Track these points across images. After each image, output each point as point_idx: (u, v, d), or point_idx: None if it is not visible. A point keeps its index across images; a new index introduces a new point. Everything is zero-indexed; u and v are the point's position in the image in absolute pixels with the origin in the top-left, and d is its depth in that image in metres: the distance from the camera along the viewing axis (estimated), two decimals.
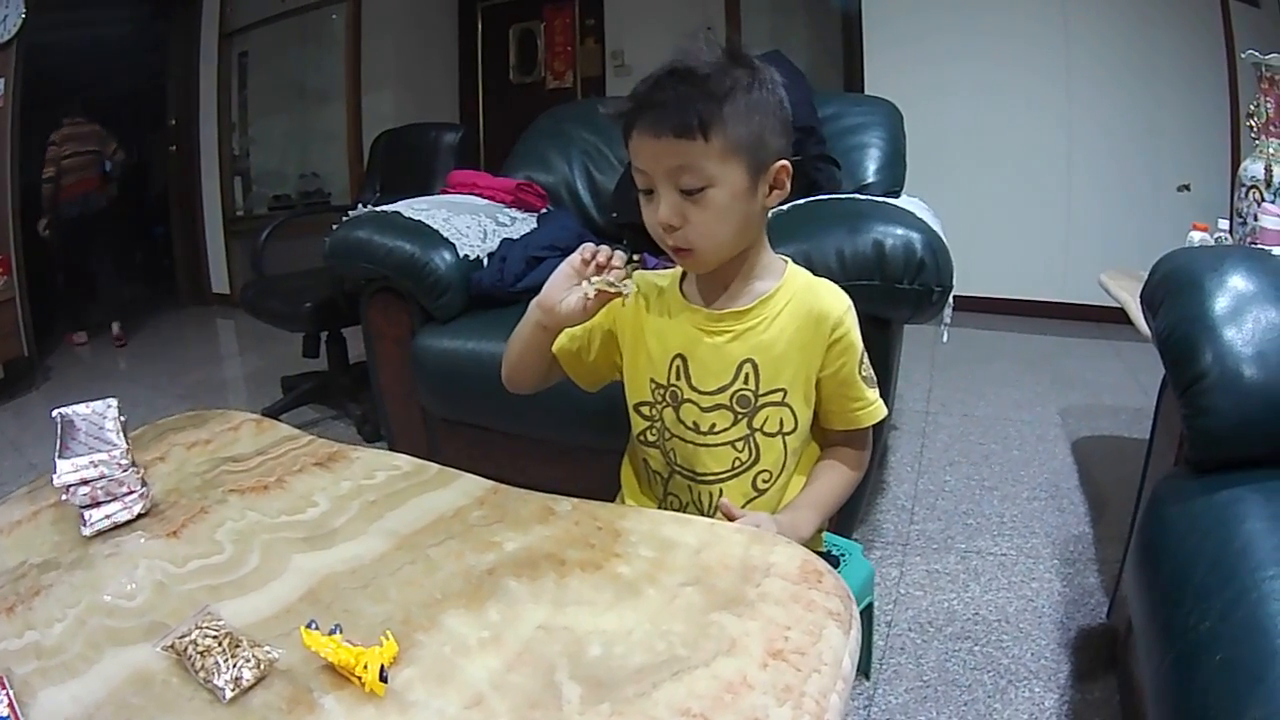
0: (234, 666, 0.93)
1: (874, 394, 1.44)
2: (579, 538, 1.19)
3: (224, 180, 6.85)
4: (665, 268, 1.49)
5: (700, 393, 1.41)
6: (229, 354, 6.00)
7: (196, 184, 6.87)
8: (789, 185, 1.33)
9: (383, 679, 0.92)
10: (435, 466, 1.46)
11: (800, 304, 1.39)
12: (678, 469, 1.48)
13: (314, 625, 0.98)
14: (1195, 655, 1.06)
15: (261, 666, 0.94)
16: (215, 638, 0.97)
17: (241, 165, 7.11)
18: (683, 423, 1.44)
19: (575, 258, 1.36)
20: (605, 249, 1.36)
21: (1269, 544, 1.14)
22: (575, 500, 1.29)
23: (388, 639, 0.96)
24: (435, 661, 0.96)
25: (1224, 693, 0.98)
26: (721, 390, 1.40)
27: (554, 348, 1.49)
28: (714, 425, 1.42)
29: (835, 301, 1.40)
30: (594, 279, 1.34)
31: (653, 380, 1.46)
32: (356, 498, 1.36)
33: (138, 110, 6.97)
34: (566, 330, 1.47)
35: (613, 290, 1.33)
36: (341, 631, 0.98)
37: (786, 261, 1.45)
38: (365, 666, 0.92)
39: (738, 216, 1.29)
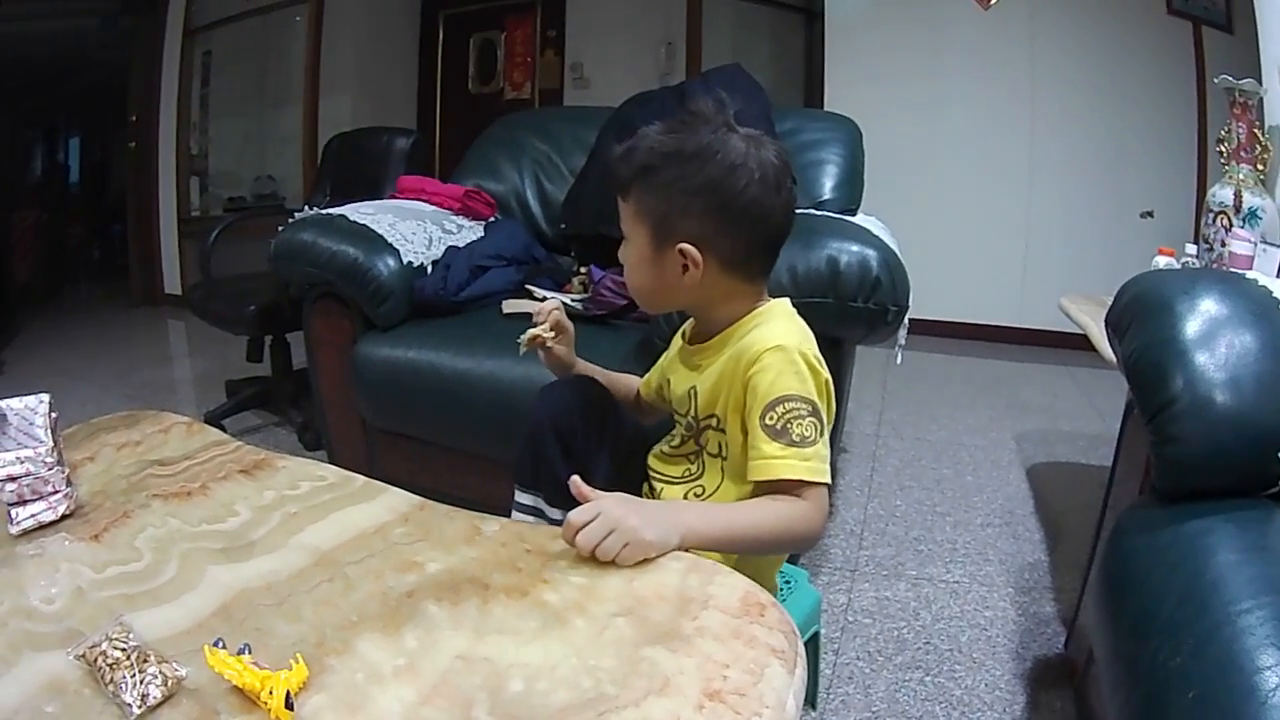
0: (141, 683, 0.90)
1: (775, 448, 1.31)
2: (505, 561, 1.14)
3: (180, 180, 6.79)
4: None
5: (676, 412, 1.58)
6: (179, 355, 5.96)
7: (154, 183, 6.79)
8: (702, 268, 1.39)
9: (289, 706, 0.87)
10: (361, 479, 1.44)
11: (742, 340, 1.42)
12: (650, 469, 1.62)
13: (221, 644, 0.94)
14: (1165, 692, 1.01)
15: (169, 684, 0.91)
16: (124, 651, 0.94)
17: (199, 165, 7.05)
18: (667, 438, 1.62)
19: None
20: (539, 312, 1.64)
21: (1243, 576, 1.09)
22: (504, 520, 1.27)
23: (298, 662, 0.92)
24: (346, 689, 0.91)
25: None
26: (683, 414, 1.54)
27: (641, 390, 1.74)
28: (677, 439, 1.58)
29: (764, 339, 1.38)
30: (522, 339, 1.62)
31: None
32: (278, 508, 1.34)
33: (102, 105, 6.91)
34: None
35: (530, 340, 1.61)
36: (250, 652, 0.94)
37: (766, 304, 1.48)
38: (271, 692, 0.87)
39: (646, 275, 1.45)
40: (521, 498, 1.60)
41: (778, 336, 1.37)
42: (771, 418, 1.32)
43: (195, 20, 6.61)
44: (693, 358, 1.52)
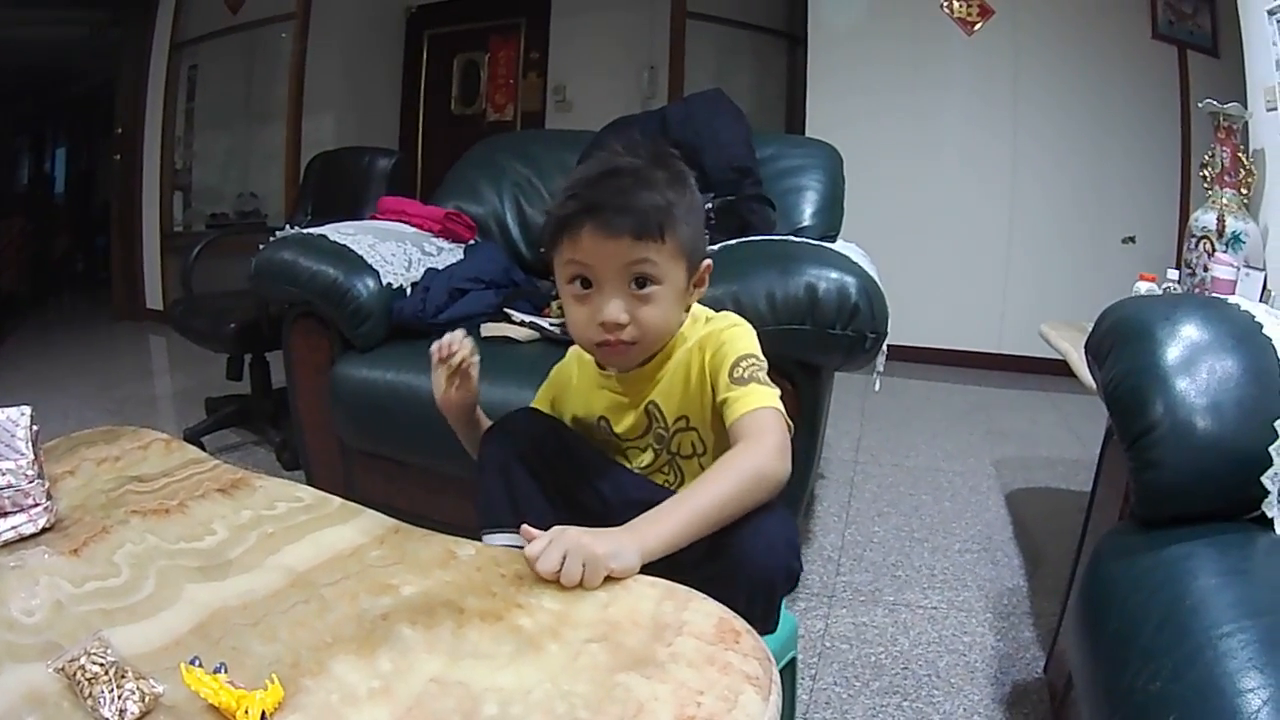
0: (119, 698, 0.91)
1: (743, 390, 1.37)
2: (480, 585, 1.13)
3: (164, 194, 6.80)
4: None
5: (626, 440, 1.55)
6: (159, 370, 5.99)
7: (137, 196, 6.81)
8: (707, 284, 1.47)
9: None
10: (338, 500, 1.44)
11: (692, 339, 1.47)
12: None
13: (197, 662, 0.95)
14: (1145, 716, 1.01)
15: (146, 700, 0.92)
16: (102, 666, 0.95)
17: (183, 180, 7.06)
18: (616, 460, 1.56)
19: (433, 357, 1.52)
20: (442, 342, 1.50)
21: (1224, 600, 1.09)
22: (479, 545, 1.26)
23: (273, 683, 0.92)
24: (321, 710, 0.91)
25: None
26: (642, 435, 1.53)
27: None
28: (641, 460, 1.54)
29: (717, 323, 1.48)
30: (439, 370, 1.53)
31: (588, 431, 1.60)
32: (255, 528, 1.34)
33: (90, 115, 6.90)
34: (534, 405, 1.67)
35: (450, 371, 1.53)
36: (226, 671, 0.94)
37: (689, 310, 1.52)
38: (246, 711, 0.88)
39: (675, 313, 1.43)
40: (496, 539, 1.43)
41: (727, 319, 1.49)
42: (737, 371, 1.39)
43: (182, 33, 6.62)
44: (635, 385, 1.51)
